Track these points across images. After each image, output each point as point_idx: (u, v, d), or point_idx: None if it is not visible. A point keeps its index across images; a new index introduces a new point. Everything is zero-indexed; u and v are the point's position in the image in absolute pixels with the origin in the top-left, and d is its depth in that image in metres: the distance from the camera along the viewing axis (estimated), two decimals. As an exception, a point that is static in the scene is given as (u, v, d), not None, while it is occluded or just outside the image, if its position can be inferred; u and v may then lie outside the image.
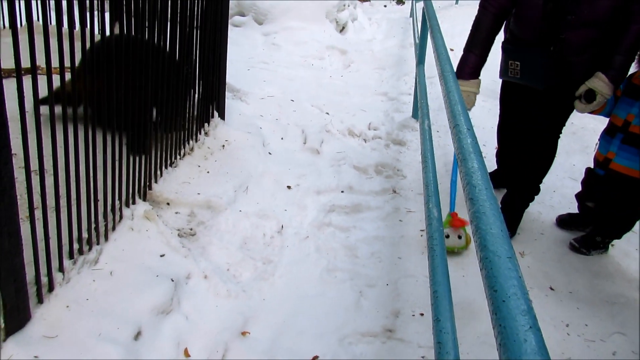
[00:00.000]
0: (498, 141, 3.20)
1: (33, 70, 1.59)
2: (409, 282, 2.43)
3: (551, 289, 2.48)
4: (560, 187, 3.41)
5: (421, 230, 2.84)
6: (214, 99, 3.44)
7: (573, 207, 2.99)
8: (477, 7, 2.71)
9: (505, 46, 2.75)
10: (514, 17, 2.65)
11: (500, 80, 2.93)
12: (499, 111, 3.07)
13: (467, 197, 1.13)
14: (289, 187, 3.15)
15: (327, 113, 4.33)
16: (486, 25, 2.64)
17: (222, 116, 3.57)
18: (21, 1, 1.64)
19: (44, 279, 1.85)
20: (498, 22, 2.66)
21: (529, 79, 2.62)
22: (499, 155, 3.24)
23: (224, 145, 3.33)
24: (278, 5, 6.84)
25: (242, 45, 6.01)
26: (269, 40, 6.42)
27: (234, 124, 3.61)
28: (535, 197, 2.86)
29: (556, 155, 2.76)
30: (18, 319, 1.71)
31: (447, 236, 2.62)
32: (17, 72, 1.49)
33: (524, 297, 0.80)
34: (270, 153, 3.49)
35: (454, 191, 2.76)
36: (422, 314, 2.26)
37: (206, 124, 3.36)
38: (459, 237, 2.65)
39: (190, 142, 3.15)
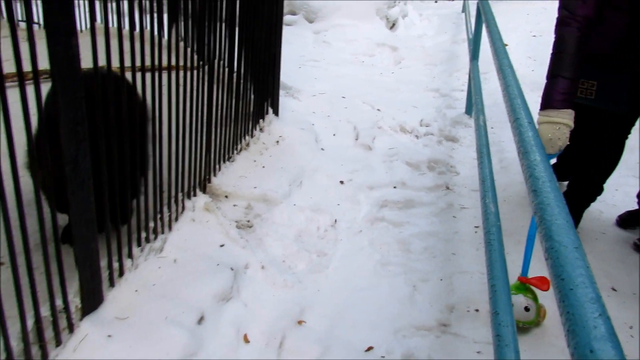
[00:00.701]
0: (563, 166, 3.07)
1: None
2: (463, 278, 2.42)
3: (613, 289, 2.41)
4: (623, 185, 3.29)
5: (475, 226, 2.82)
6: (268, 95, 3.53)
7: (636, 206, 2.89)
8: (554, 26, 2.27)
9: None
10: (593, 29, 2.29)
11: None
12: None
13: (530, 189, 1.14)
14: (341, 182, 3.19)
15: (378, 109, 4.35)
16: (572, 43, 2.16)
17: (276, 113, 3.65)
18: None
19: (116, 265, 1.98)
20: (585, 37, 2.17)
21: (607, 101, 2.34)
22: (559, 156, 3.15)
23: (278, 141, 3.41)
24: (328, 4, 6.90)
25: (293, 44, 6.10)
26: (320, 38, 6.48)
27: (287, 121, 3.69)
28: (598, 197, 2.78)
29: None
30: (93, 301, 1.84)
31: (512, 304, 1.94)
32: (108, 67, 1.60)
33: (592, 286, 0.81)
34: (322, 149, 3.54)
35: (530, 252, 2.14)
36: (477, 310, 2.25)
37: (261, 120, 3.45)
38: (526, 308, 2.06)
39: (247, 137, 3.25)
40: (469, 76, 4.09)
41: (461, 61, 5.90)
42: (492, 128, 3.99)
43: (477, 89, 3.22)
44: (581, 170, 2.71)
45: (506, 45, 6.35)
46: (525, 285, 2.11)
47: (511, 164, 3.47)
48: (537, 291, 2.11)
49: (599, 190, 2.74)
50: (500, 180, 3.24)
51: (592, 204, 2.82)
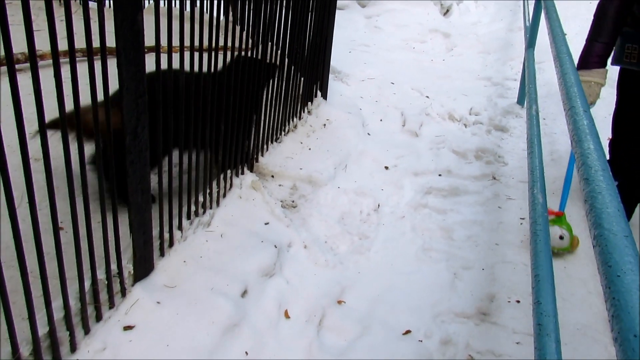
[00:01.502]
0: (613, 130, 3.00)
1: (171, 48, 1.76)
2: (506, 268, 2.40)
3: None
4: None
5: (521, 218, 2.77)
6: (317, 79, 3.55)
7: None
8: None
9: (624, 29, 2.55)
10: None
11: (618, 68, 2.73)
12: (615, 99, 2.88)
13: (582, 177, 1.12)
14: (386, 167, 3.19)
15: (427, 97, 4.30)
16: (612, 12, 2.40)
17: (324, 96, 3.68)
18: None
19: (166, 235, 2.07)
20: (625, 7, 2.40)
21: None
22: (612, 144, 3.05)
23: (325, 124, 3.44)
24: (381, -12, 6.81)
25: (344, 28, 6.07)
26: (371, 23, 6.43)
27: (335, 104, 3.71)
28: None
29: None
30: (145, 268, 1.93)
31: None
32: (157, 50, 1.67)
33: (639, 274, 0.80)
34: (369, 134, 3.55)
35: (567, 189, 2.54)
36: (518, 301, 2.23)
37: (309, 103, 3.48)
38: (561, 237, 2.43)
39: (295, 119, 3.29)
40: (524, 64, 3.97)
41: (516, 50, 5.73)
42: (544, 119, 3.88)
43: (532, 77, 3.13)
44: (634, 163, 2.63)
45: (565, 34, 6.09)
46: (560, 218, 2.50)
47: (562, 157, 3.38)
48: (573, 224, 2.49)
49: None
50: (550, 173, 3.16)
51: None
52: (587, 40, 2.47)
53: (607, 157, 3.11)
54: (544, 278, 1.56)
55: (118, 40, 1.49)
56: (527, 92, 2.97)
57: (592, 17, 2.51)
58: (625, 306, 0.75)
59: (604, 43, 2.42)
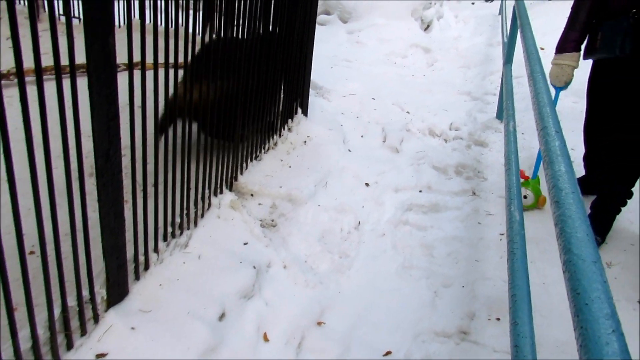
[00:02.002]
0: (585, 142, 3.03)
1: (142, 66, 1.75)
2: (486, 285, 2.40)
3: (641, 303, 2.34)
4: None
5: (501, 233, 2.78)
6: (298, 96, 3.55)
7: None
8: None
9: (604, 23, 2.63)
10: None
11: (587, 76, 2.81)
12: (585, 108, 2.91)
13: (552, 200, 1.12)
14: (367, 184, 3.19)
15: (408, 112, 4.32)
16: (587, 6, 2.64)
17: (305, 113, 3.67)
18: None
19: (141, 258, 2.03)
20: (597, 3, 2.61)
21: (607, 49, 2.53)
22: (587, 158, 3.08)
23: (305, 141, 3.43)
24: (363, 4, 6.88)
25: (326, 43, 6.11)
26: (353, 38, 6.48)
27: (316, 121, 3.71)
28: (628, 201, 2.71)
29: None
30: (118, 293, 1.89)
31: None
32: (130, 68, 1.65)
33: (608, 302, 0.80)
34: (350, 150, 3.54)
35: (539, 161, 2.83)
36: (498, 319, 2.22)
37: (290, 120, 3.48)
38: (524, 197, 2.76)
39: (275, 137, 3.28)
40: (502, 80, 4.02)
41: (495, 64, 5.81)
42: (522, 133, 3.92)
43: (509, 93, 3.17)
44: (609, 174, 2.66)
45: (542, 49, 6.21)
46: (527, 181, 2.96)
47: (542, 172, 3.40)
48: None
49: (629, 194, 2.68)
50: (530, 188, 3.19)
51: (621, 214, 2.75)
52: (564, 29, 2.75)
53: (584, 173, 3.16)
54: (521, 298, 1.55)
55: (89, 62, 1.46)
56: (504, 107, 2.99)
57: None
58: (593, 336, 0.74)
59: (578, 32, 2.69)
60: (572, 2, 2.72)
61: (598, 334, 0.74)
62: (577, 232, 0.97)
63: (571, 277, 0.88)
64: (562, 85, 2.77)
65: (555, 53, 2.77)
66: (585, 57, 2.75)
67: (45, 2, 3.47)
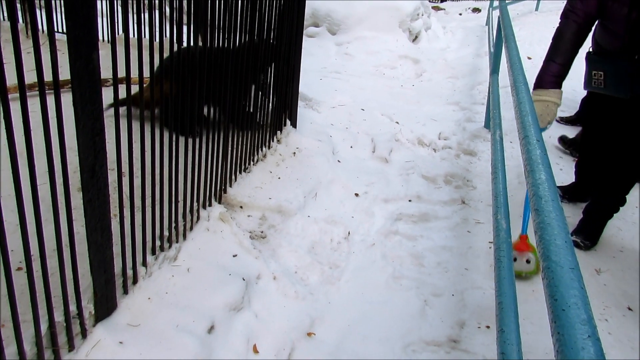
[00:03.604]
0: (579, 151, 3.07)
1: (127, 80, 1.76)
2: (475, 294, 2.41)
3: (629, 309, 2.36)
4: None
5: (490, 242, 2.79)
6: (287, 107, 3.57)
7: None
8: (559, 16, 2.62)
9: (589, 57, 2.65)
10: (599, 27, 2.57)
11: (583, 92, 2.84)
12: (582, 120, 2.96)
13: (533, 207, 1.14)
14: (357, 194, 3.20)
15: (397, 122, 4.35)
16: (569, 36, 2.53)
17: (294, 124, 3.69)
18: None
19: (130, 272, 2.02)
20: (582, 32, 2.55)
21: (614, 89, 2.53)
22: (579, 165, 3.12)
23: (295, 153, 3.44)
24: (352, 16, 6.94)
25: (315, 55, 6.15)
26: (342, 50, 6.53)
27: (305, 132, 3.72)
28: (620, 208, 2.74)
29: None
30: (106, 307, 1.88)
31: (515, 259, 2.48)
32: (114, 82, 1.66)
33: (585, 307, 0.81)
34: (339, 161, 3.56)
35: (527, 213, 2.59)
36: (488, 327, 2.23)
37: (279, 132, 3.49)
38: (527, 261, 2.52)
39: (264, 148, 3.29)
40: (489, 90, 4.06)
41: (483, 74, 5.87)
42: (510, 142, 3.96)
43: (496, 103, 3.20)
44: (603, 181, 2.69)
45: (529, 58, 6.27)
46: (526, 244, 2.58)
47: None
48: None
49: (622, 201, 2.71)
50: (518, 196, 3.22)
51: (611, 220, 2.78)
52: (544, 61, 2.60)
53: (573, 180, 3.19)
54: (507, 305, 1.56)
55: (73, 79, 1.47)
56: (491, 117, 3.03)
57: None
58: (569, 341, 0.75)
59: (560, 64, 2.53)
60: (558, 13, 2.72)
61: (574, 339, 0.75)
62: (557, 240, 0.98)
63: (549, 284, 0.89)
64: (545, 125, 2.54)
65: (535, 88, 2.58)
66: (585, 88, 2.73)
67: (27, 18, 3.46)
